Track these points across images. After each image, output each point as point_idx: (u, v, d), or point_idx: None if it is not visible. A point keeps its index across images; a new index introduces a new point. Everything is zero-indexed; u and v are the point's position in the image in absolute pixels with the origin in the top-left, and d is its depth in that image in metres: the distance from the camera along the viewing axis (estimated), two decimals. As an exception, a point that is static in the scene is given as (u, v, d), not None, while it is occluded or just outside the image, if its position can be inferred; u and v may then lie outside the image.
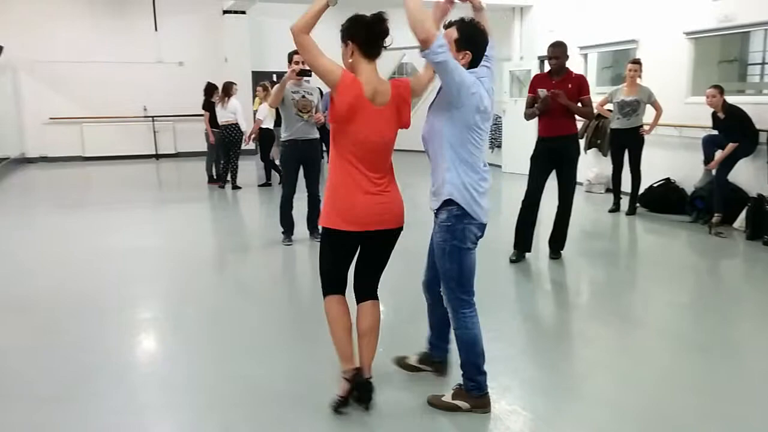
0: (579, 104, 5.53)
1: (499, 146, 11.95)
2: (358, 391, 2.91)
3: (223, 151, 10.07)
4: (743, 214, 6.67)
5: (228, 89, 9.85)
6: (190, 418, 3.02)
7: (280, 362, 3.60)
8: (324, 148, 7.64)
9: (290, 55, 5.77)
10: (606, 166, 8.69)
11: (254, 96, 12.16)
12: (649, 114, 7.55)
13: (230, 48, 14.34)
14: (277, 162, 11.80)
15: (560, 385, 3.34)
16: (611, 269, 5.78)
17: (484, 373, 2.96)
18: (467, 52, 2.86)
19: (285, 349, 3.81)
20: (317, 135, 6.21)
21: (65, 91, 13.71)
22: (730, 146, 6.53)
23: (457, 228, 2.81)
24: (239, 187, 9.99)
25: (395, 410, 2.99)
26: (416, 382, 3.26)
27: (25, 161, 13.60)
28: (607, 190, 8.86)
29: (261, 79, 11.73)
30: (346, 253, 2.95)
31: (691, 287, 5.29)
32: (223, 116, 9.81)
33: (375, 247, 2.94)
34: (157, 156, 14.53)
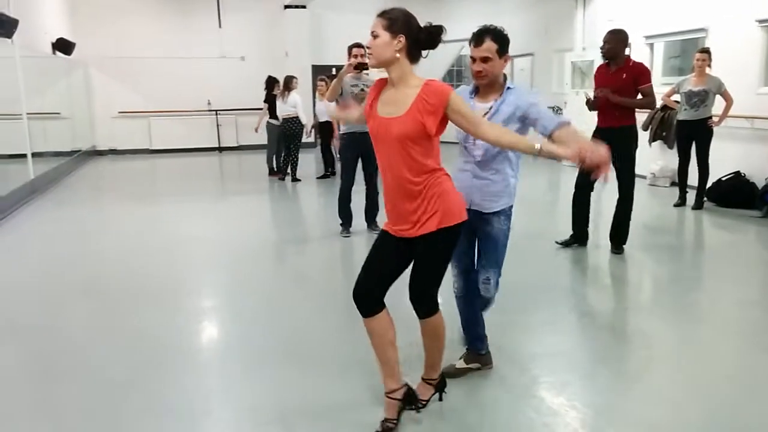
0: (639, 95, 5.41)
1: (560, 139, 11.71)
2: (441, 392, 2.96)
3: (284, 144, 10.25)
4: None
5: (288, 83, 10.02)
6: (250, 403, 3.10)
7: (335, 350, 3.66)
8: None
9: (349, 48, 5.83)
10: (671, 159, 8.44)
11: (314, 90, 12.32)
12: (718, 105, 7.27)
13: (290, 42, 14.56)
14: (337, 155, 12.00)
15: (619, 383, 3.28)
16: (675, 265, 5.60)
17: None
18: (507, 56, 2.97)
19: (341, 338, 3.86)
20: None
21: (133, 85, 14.23)
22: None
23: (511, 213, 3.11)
24: (299, 180, 10.15)
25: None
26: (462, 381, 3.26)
27: (95, 153, 14.19)
28: (672, 184, 8.59)
29: (320, 73, 11.88)
30: None
31: (759, 285, 5.08)
32: (283, 110, 10.00)
33: None
34: (220, 149, 14.90)
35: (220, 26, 14.43)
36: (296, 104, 9.94)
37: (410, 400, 2.83)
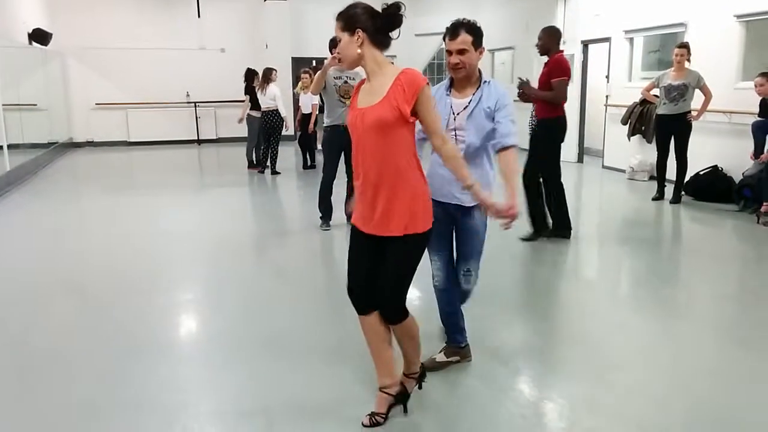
0: None
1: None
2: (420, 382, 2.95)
3: (264, 137, 10.18)
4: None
5: (268, 75, 9.94)
6: (229, 395, 3.08)
7: (316, 343, 3.64)
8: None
9: (331, 42, 5.79)
10: (650, 153, 8.51)
11: (293, 82, 12.27)
12: (697, 100, 7.33)
13: (271, 34, 14.44)
14: (319, 147, 11.97)
15: (598, 376, 3.30)
16: (653, 258, 5.66)
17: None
18: (482, 48, 3.00)
19: (321, 330, 3.85)
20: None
21: (111, 77, 14.03)
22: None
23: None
24: (278, 173, 10.09)
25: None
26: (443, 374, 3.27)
27: (72, 146, 13.97)
28: (651, 178, 8.67)
29: (301, 65, 11.82)
30: None
31: (736, 278, 5.15)
32: (264, 102, 9.93)
33: None
34: (199, 141, 14.77)
35: (199, 17, 14.26)
36: (275, 96, 9.87)
37: (402, 399, 2.83)
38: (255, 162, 10.62)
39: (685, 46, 7.35)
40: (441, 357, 3.30)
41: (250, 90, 10.30)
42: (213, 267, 5.36)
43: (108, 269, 5.18)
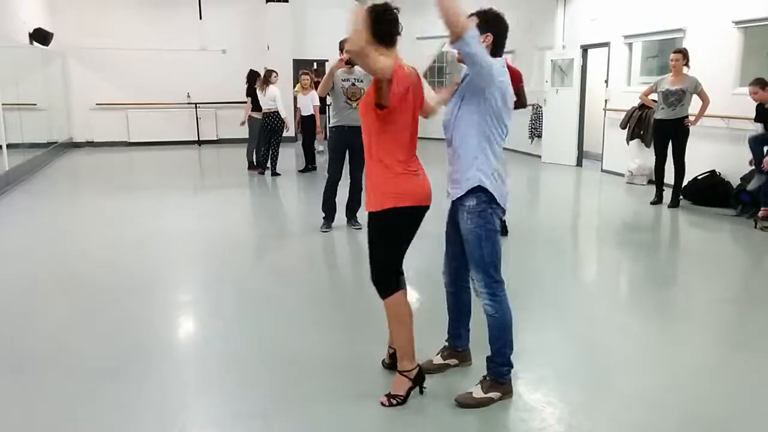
0: None
1: (539, 136, 11.81)
2: (420, 385, 2.98)
3: (264, 138, 10.20)
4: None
5: (268, 77, 9.98)
6: (227, 396, 3.10)
7: (316, 345, 3.65)
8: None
9: (341, 44, 5.85)
10: (648, 157, 8.54)
11: (295, 83, 12.28)
12: (694, 105, 7.37)
13: (272, 36, 14.45)
14: (321, 148, 11.99)
15: (597, 379, 3.32)
16: (651, 262, 5.68)
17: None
18: (488, 33, 2.85)
19: (319, 333, 3.86)
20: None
21: (111, 77, 14.04)
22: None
23: (487, 212, 2.85)
24: (279, 174, 10.11)
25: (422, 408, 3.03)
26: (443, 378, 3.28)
27: (72, 146, 13.98)
28: (649, 182, 8.70)
29: (302, 67, 11.84)
30: (411, 236, 2.93)
31: (733, 282, 5.17)
32: (264, 104, 9.96)
33: (417, 226, 2.95)
34: (200, 142, 14.78)
35: (200, 18, 14.29)
36: (275, 98, 9.89)
37: (419, 381, 2.95)
38: (255, 163, 10.63)
39: (680, 51, 7.38)
40: (438, 359, 3.31)
41: (252, 92, 10.33)
42: (212, 268, 5.38)
43: (107, 270, 5.19)
